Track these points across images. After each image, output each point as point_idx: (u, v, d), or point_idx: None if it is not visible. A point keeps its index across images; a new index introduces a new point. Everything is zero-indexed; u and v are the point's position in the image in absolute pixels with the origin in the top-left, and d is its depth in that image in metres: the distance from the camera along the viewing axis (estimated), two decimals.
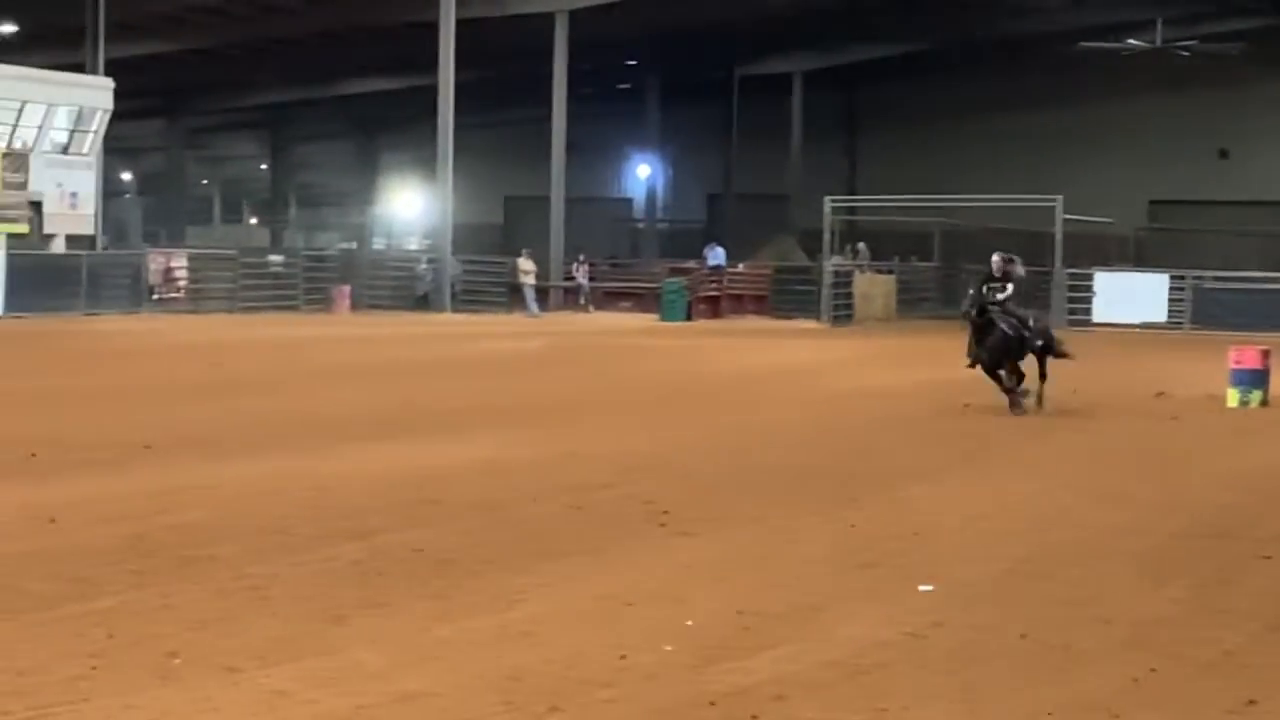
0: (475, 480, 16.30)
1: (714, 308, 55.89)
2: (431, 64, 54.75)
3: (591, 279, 59.15)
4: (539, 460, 17.92)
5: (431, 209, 61.20)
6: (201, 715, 8.24)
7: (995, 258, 24.14)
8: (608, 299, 58.64)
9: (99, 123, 50.80)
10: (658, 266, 60.89)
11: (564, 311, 55.79)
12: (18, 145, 48.27)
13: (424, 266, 57.03)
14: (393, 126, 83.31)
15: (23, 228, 48.35)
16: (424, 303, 54.97)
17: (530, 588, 11.35)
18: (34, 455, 17.14)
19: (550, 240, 58.04)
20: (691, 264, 58.52)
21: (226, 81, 74.96)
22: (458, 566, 12.05)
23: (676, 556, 12.69)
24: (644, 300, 56.49)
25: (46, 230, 49.30)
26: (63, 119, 50.03)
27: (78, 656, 9.18)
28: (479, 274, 58.12)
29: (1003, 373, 23.36)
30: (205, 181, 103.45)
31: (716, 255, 58.52)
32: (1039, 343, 23.76)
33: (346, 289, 54.57)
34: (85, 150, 50.70)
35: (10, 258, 44.76)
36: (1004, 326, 23.19)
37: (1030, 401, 23.26)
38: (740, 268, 59.94)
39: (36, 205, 48.73)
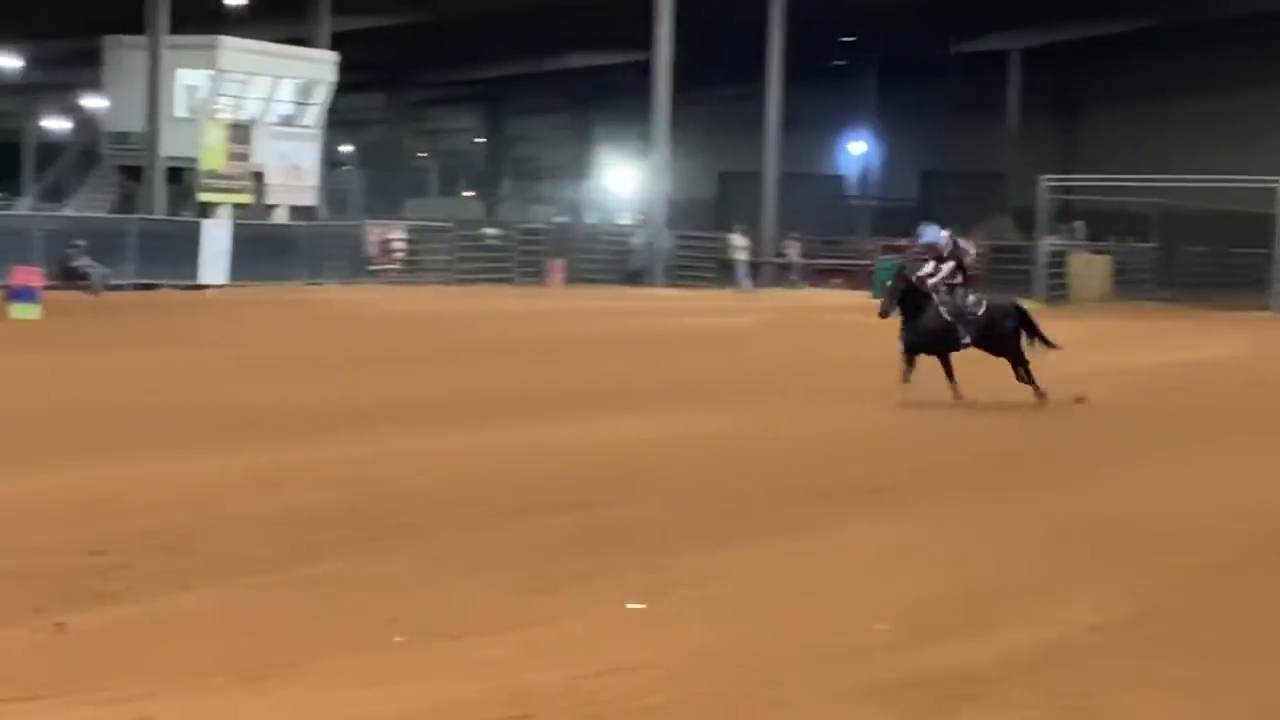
0: (684, 455, 16.39)
1: None
2: (647, 39, 54.93)
3: (803, 255, 59.00)
4: (748, 436, 17.99)
5: (645, 183, 61.43)
6: (420, 680, 8.37)
7: (943, 234, 22.23)
8: (819, 276, 58.48)
9: (322, 96, 51.65)
10: (870, 244, 60.58)
11: (775, 288, 55.72)
12: (243, 117, 49.24)
13: (637, 241, 57.28)
14: (608, 101, 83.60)
15: (246, 198, 49.35)
16: (636, 277, 55.23)
17: (741, 562, 11.41)
18: (254, 422, 17.56)
19: (762, 216, 58.03)
20: (904, 242, 58.09)
21: (447, 55, 75.71)
22: (667, 540, 12.12)
23: (887, 534, 12.66)
24: (855, 277, 56.18)
25: (269, 201, 50.27)
26: (287, 92, 50.95)
27: (301, 619, 9.40)
28: (691, 249, 58.29)
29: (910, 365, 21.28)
30: (424, 154, 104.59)
31: (929, 233, 57.82)
32: (1009, 324, 21.51)
33: (560, 262, 54.99)
34: (308, 123, 51.59)
35: (235, 228, 45.69)
36: (943, 311, 21.39)
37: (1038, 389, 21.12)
38: None
39: (259, 176, 49.70)
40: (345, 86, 54.91)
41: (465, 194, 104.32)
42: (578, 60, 75.36)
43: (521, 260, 55.20)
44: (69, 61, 68.96)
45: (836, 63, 76.53)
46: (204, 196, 48.41)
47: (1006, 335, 21.44)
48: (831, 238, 66.92)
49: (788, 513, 13.41)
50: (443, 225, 59.08)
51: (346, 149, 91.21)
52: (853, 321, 39.74)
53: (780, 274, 58.12)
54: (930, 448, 17.87)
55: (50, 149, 73.69)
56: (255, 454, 15.27)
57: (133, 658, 8.50)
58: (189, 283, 42.48)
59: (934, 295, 21.43)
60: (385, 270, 51.26)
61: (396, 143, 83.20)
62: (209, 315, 35.83)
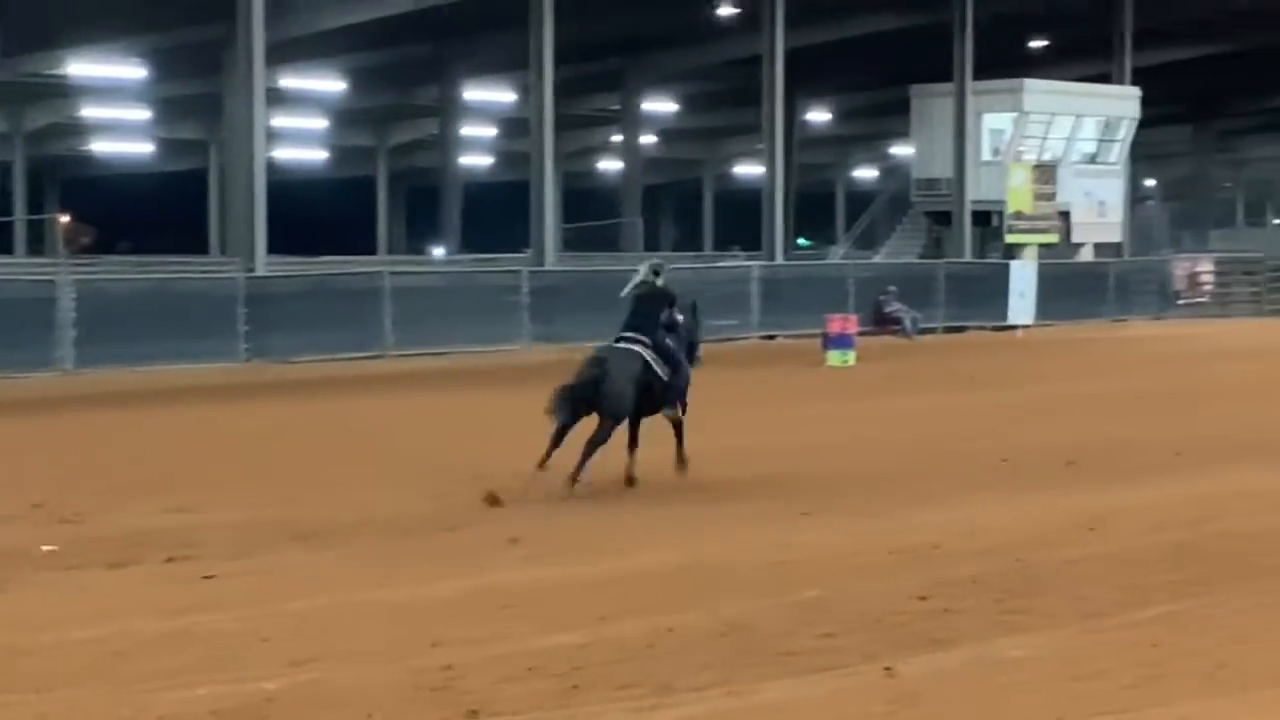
0: None
1: None
2: None
3: None
4: None
5: None
6: None
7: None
8: None
9: (1126, 131, 51.28)
10: None
11: None
12: (1047, 157, 49.43)
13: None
14: None
15: (1053, 237, 49.47)
16: None
17: None
18: (1072, 462, 17.58)
19: None
20: None
21: (1254, 84, 73.65)
22: None
23: None
24: None
25: (1075, 239, 50.23)
26: (1090, 129, 50.85)
27: (1126, 665, 9.36)
28: None
29: None
30: (1228, 185, 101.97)
31: None
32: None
33: None
34: (1112, 159, 51.31)
35: (1041, 267, 45.89)
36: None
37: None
38: None
39: (1065, 216, 49.73)
40: (1149, 120, 54.31)
41: (1274, 223, 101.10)
42: None
43: None
44: (877, 112, 70.94)
45: None
46: (1011, 238, 48.83)
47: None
48: None
49: None
50: (1252, 255, 57.54)
51: (1150, 183, 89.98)
52: None
53: None
54: None
55: (861, 198, 75.93)
56: (1079, 496, 15.32)
57: (961, 705, 8.70)
58: (997, 323, 42.93)
59: None
60: (1194, 304, 50.33)
61: (1202, 174, 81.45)
62: (1019, 355, 36.08)
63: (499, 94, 62.73)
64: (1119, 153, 51.48)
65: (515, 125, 63.05)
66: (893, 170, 73.98)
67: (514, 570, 12.12)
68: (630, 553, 12.70)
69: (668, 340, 16.29)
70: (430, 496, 15.53)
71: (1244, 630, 10.15)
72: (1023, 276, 44.53)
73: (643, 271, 16.95)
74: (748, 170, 79.25)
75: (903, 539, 13.13)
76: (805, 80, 58.57)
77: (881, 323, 40.49)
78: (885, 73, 58.93)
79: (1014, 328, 42.90)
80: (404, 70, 60.70)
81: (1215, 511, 14.32)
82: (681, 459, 16.37)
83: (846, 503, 15.16)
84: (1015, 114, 49.12)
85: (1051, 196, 49.35)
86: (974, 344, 39.95)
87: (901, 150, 66.76)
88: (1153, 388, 27.24)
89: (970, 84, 48.20)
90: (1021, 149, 49.30)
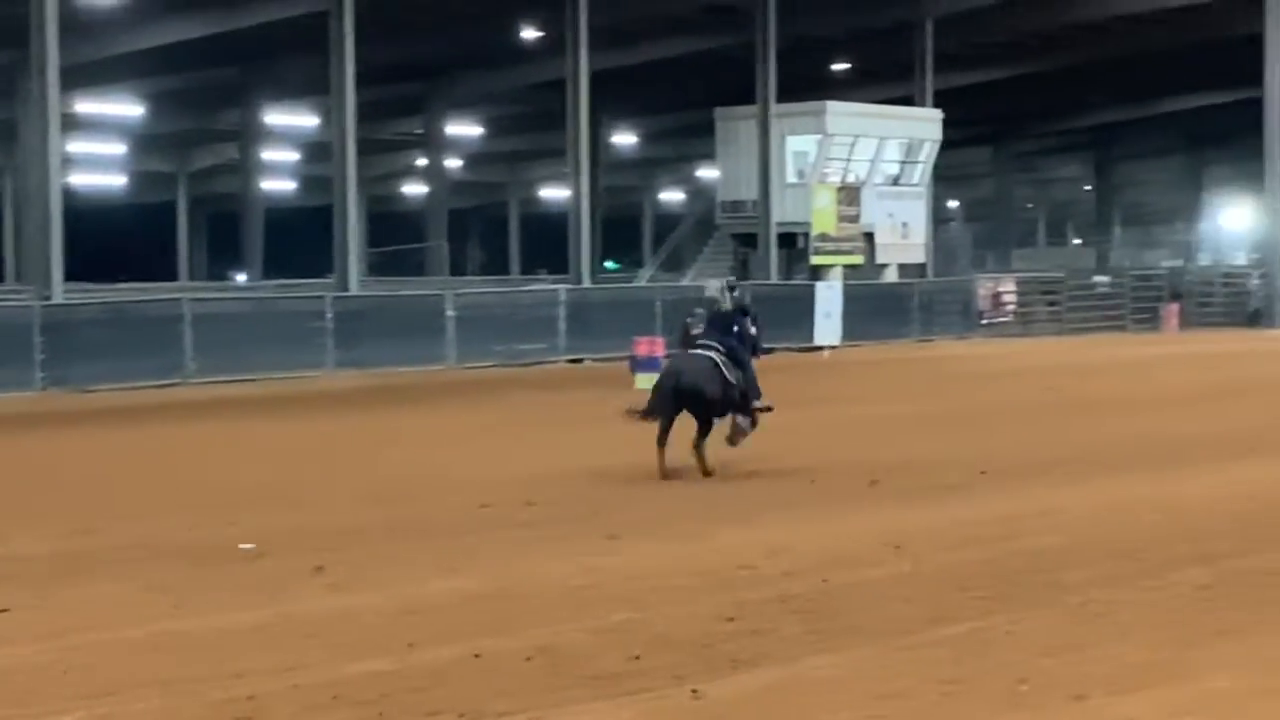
0: None
1: None
2: (1259, 75, 53.26)
3: None
4: None
5: (1261, 223, 59.42)
6: None
7: None
8: None
9: (928, 153, 51.96)
10: None
11: None
12: (851, 179, 49.93)
13: (1255, 282, 55.49)
14: (1220, 141, 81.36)
15: (857, 259, 49.97)
16: (1256, 319, 53.46)
17: None
18: (875, 481, 17.74)
19: None
20: None
21: (1053, 105, 75.15)
22: None
23: None
24: None
25: (879, 261, 50.78)
26: (894, 152, 51.44)
27: (930, 682, 9.41)
28: None
29: None
30: (1030, 205, 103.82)
31: None
32: None
33: (1175, 307, 53.74)
34: (915, 181, 51.96)
35: (847, 288, 46.32)
36: None
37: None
38: None
39: (870, 237, 50.25)
40: (951, 142, 55.09)
41: (1074, 242, 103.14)
42: (1187, 101, 73.63)
43: (1134, 307, 54.20)
44: (683, 134, 71.39)
45: None
46: (816, 259, 49.23)
47: None
48: None
49: None
50: (1053, 275, 58.59)
51: (953, 204, 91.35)
52: None
53: None
54: None
55: (668, 220, 76.34)
56: (879, 515, 15.43)
57: None
58: (803, 344, 43.24)
59: None
60: (997, 324, 51.09)
61: (1004, 195, 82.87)
62: (825, 376, 36.35)
63: (301, 118, 62.34)
64: (922, 174, 52.12)
65: (318, 149, 62.69)
66: (699, 193, 74.45)
67: (318, 598, 11.95)
68: (436, 579, 12.56)
69: (737, 346, 18.88)
70: (231, 524, 15.29)
71: (1046, 645, 10.24)
72: (828, 298, 44.89)
73: (715, 289, 19.53)
74: (554, 193, 79.43)
75: (711, 560, 13.12)
76: (610, 103, 58.81)
77: (689, 345, 40.53)
78: (690, 95, 59.35)
79: (820, 348, 43.24)
80: (205, 94, 60.12)
81: (1017, 529, 14.47)
82: (754, 419, 18.95)
83: (654, 525, 15.13)
84: (819, 136, 49.54)
85: (856, 218, 49.83)
86: (780, 365, 40.06)
87: (707, 173, 67.20)
88: (956, 407, 27.55)
89: (774, 106, 48.57)
90: (826, 171, 49.75)
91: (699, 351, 18.92)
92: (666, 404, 18.39)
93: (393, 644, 10.36)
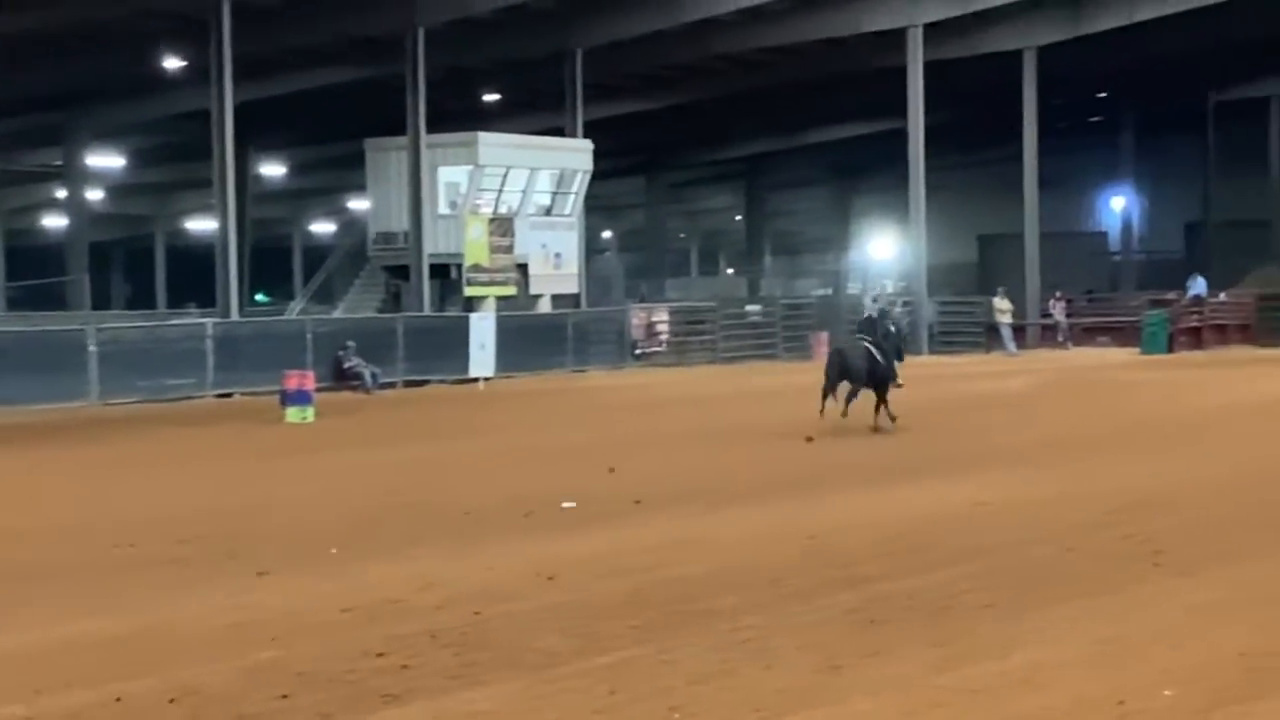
0: (966, 524, 16.18)
1: (1196, 339, 54.62)
2: (903, 107, 54.78)
3: (1069, 315, 58.20)
4: (1030, 501, 17.71)
5: (906, 251, 61.11)
6: None
7: None
8: (1085, 334, 57.61)
9: (580, 184, 52.22)
10: (1136, 299, 59.77)
11: (1041, 349, 55.05)
12: (503, 210, 49.93)
13: (898, 310, 56.99)
14: (866, 171, 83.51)
15: (511, 290, 49.96)
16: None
17: (1027, 633, 11.24)
18: (530, 513, 17.64)
19: (1025, 277, 57.43)
20: (1171, 295, 57.17)
21: (702, 136, 76.23)
22: (953, 613, 11.97)
23: (1175, 598, 12.41)
24: (1123, 334, 55.50)
25: (533, 291, 50.85)
26: (545, 182, 51.59)
27: (583, 713, 9.37)
28: (954, 314, 57.94)
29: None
30: (683, 235, 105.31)
31: (1198, 285, 57.01)
32: None
33: (824, 335, 54.78)
34: (568, 211, 52.18)
35: (500, 319, 46.26)
36: None
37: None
38: (1222, 297, 58.18)
39: (523, 268, 50.30)
40: (603, 173, 55.45)
41: (727, 272, 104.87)
42: (834, 133, 75.36)
43: (786, 335, 55.14)
44: (333, 165, 70.79)
45: (1093, 119, 75.76)
46: (470, 290, 49.08)
47: None
48: (1096, 295, 65.93)
49: (1074, 580, 13.28)
50: (706, 305, 59.32)
51: (607, 234, 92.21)
52: (1123, 380, 39.15)
53: (1046, 335, 57.39)
54: (1218, 502, 17.47)
55: (319, 252, 75.57)
56: (532, 546, 15.32)
57: None
58: (459, 376, 43.03)
59: None
60: (651, 353, 51.50)
61: (656, 225, 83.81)
62: (480, 407, 36.20)
63: None
64: (574, 205, 52.32)
65: None
66: (350, 224, 73.86)
67: None
68: (72, 622, 12.08)
69: (882, 343, 27.19)
70: None
71: (698, 672, 10.26)
72: (482, 329, 44.71)
73: (868, 299, 26.58)
74: (202, 225, 78.08)
75: (360, 595, 12.87)
76: (259, 133, 58.00)
77: (341, 378, 40.07)
78: (342, 126, 58.86)
79: (475, 380, 43.08)
80: None
81: (668, 558, 14.48)
82: (886, 414, 26.80)
83: (303, 561, 14.82)
84: (470, 167, 49.42)
85: (509, 249, 49.82)
86: (435, 397, 39.93)
87: (358, 204, 66.63)
88: (609, 436, 27.61)
89: (425, 137, 48.26)
90: (478, 202, 49.66)
91: (858, 342, 27.31)
92: (834, 375, 26.58)
93: (21, 690, 9.92)
